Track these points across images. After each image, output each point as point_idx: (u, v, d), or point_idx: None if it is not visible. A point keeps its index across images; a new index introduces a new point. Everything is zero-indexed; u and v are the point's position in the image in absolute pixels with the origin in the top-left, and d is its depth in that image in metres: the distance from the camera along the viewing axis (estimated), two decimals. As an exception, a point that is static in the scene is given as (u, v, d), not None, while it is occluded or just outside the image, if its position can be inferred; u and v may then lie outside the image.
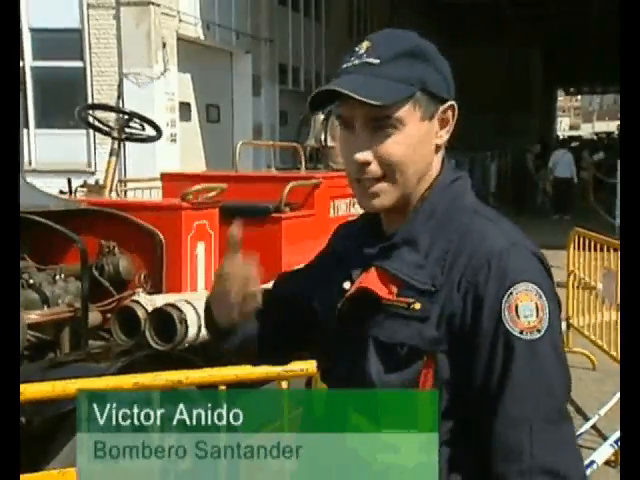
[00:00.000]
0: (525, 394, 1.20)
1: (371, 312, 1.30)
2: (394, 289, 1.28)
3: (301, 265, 1.64)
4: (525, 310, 1.21)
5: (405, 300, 1.26)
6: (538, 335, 1.21)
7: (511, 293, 1.21)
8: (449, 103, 1.32)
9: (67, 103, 10.65)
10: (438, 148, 1.34)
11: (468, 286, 1.23)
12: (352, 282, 1.35)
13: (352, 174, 1.31)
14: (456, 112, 1.34)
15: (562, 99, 75.89)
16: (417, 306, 1.25)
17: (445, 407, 1.25)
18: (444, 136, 1.33)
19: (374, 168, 1.29)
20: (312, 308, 1.48)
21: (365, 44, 1.30)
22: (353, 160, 1.29)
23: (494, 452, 1.21)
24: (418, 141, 1.29)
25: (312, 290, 1.50)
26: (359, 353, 1.31)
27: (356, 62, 1.29)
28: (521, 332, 1.20)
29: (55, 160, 11.47)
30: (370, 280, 1.31)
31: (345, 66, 1.30)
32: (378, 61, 1.27)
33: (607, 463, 4.28)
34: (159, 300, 3.14)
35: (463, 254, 1.25)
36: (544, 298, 1.22)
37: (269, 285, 1.62)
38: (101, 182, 4.80)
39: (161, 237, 3.38)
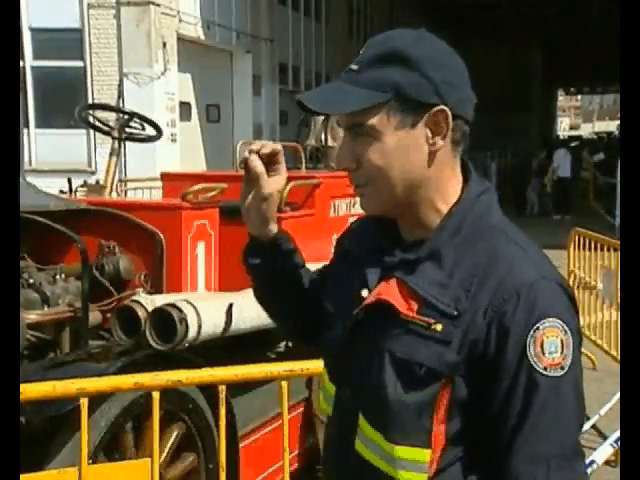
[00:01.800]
0: (545, 431, 1.19)
1: (388, 324, 1.28)
2: (414, 305, 1.26)
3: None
4: (551, 346, 1.19)
5: (426, 319, 1.24)
6: (562, 372, 1.19)
7: (538, 328, 1.19)
8: (437, 108, 1.24)
9: (67, 103, 10.65)
10: (434, 154, 1.27)
11: (494, 315, 1.20)
12: (370, 290, 1.32)
13: None
14: (449, 116, 1.25)
15: (562, 99, 75.88)
16: (438, 327, 1.23)
17: (458, 430, 1.24)
18: (439, 142, 1.26)
19: (358, 175, 1.30)
20: (321, 304, 1.48)
21: (363, 48, 1.29)
22: (337, 167, 1.33)
23: None
24: (397, 149, 1.25)
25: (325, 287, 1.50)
26: (373, 363, 1.29)
27: (347, 68, 1.29)
28: (545, 368, 1.19)
29: (55, 160, 11.48)
30: (390, 292, 1.28)
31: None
32: (357, 67, 1.27)
33: (607, 463, 4.28)
34: (159, 300, 3.14)
35: (490, 280, 1.22)
36: (569, 334, 1.21)
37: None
38: (101, 182, 4.80)
39: (161, 237, 3.38)
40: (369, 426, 1.30)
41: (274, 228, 1.52)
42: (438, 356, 1.22)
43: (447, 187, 1.31)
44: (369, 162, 1.27)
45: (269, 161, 1.45)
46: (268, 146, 1.44)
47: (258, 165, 1.43)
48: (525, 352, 1.19)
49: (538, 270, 1.24)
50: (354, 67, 1.27)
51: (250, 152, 1.43)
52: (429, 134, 1.26)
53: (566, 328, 1.20)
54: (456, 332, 1.22)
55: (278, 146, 1.45)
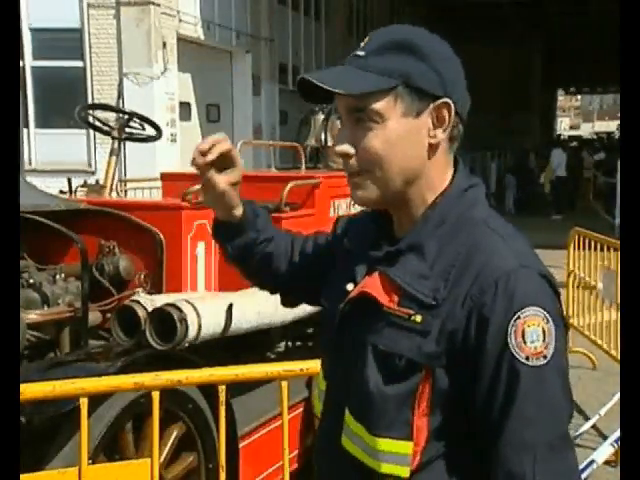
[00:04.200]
0: (529, 421, 1.18)
1: (371, 317, 1.28)
2: (395, 297, 1.26)
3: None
4: (532, 335, 1.17)
5: (406, 311, 1.24)
6: (544, 361, 1.18)
7: (518, 317, 1.18)
8: (442, 100, 1.26)
9: (67, 103, 10.63)
10: (433, 147, 1.28)
11: (473, 305, 1.20)
12: (355, 284, 1.33)
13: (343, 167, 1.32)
14: (452, 110, 1.27)
15: (562, 99, 75.84)
16: (418, 319, 1.23)
17: (442, 421, 1.24)
18: (439, 135, 1.28)
19: (353, 161, 1.28)
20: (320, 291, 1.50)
21: (365, 39, 1.29)
22: (335, 151, 1.29)
23: (496, 473, 1.20)
24: (399, 137, 1.25)
25: (324, 275, 1.52)
26: (358, 357, 1.30)
27: (349, 56, 1.29)
28: (527, 358, 1.17)
29: (55, 160, 11.48)
30: (372, 285, 1.29)
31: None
32: (363, 53, 1.26)
33: (607, 463, 4.28)
34: (159, 300, 3.14)
35: (469, 270, 1.22)
36: (551, 323, 1.19)
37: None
38: (101, 182, 4.80)
39: (161, 237, 3.38)
40: (353, 420, 1.30)
41: (239, 211, 1.55)
42: (417, 347, 1.22)
43: (439, 183, 1.32)
44: (369, 148, 1.25)
45: (223, 158, 1.44)
46: (218, 146, 1.42)
47: (202, 168, 1.43)
48: (506, 342, 1.18)
49: (518, 259, 1.23)
50: (361, 53, 1.26)
51: (196, 155, 1.42)
52: (431, 126, 1.27)
53: (548, 316, 1.19)
54: (435, 322, 1.22)
55: (226, 145, 1.43)
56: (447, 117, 1.27)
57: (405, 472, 1.24)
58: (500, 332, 1.18)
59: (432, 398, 1.23)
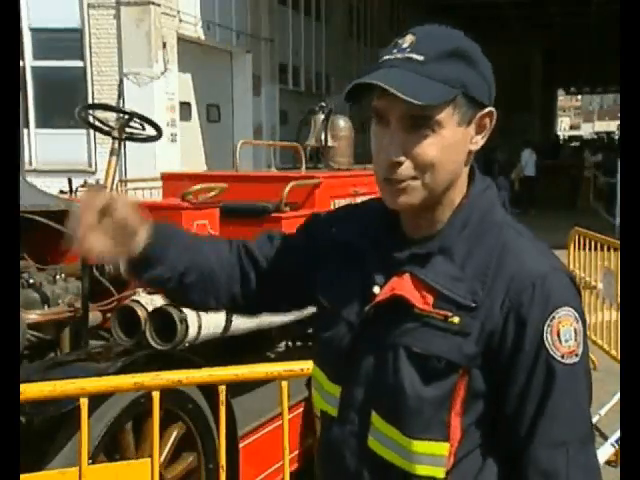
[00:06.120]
0: (564, 418, 1.22)
1: (402, 319, 1.28)
2: (429, 299, 1.26)
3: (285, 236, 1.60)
4: (566, 334, 1.22)
5: (443, 312, 1.25)
6: (576, 359, 1.23)
7: (554, 317, 1.22)
8: (488, 109, 1.29)
9: (67, 103, 10.66)
10: (471, 153, 1.31)
11: (511, 306, 1.23)
12: (380, 287, 1.32)
13: (381, 172, 1.28)
14: (494, 119, 1.30)
15: (562, 99, 75.89)
16: (456, 320, 1.24)
17: (473, 421, 1.26)
18: (479, 142, 1.30)
19: (406, 169, 1.25)
20: (304, 288, 1.48)
21: (409, 38, 1.25)
22: (385, 158, 1.26)
23: (528, 473, 1.23)
24: (452, 145, 1.25)
25: (308, 268, 1.48)
26: (388, 360, 1.29)
27: (399, 56, 1.24)
28: (562, 356, 1.22)
29: (55, 160, 11.49)
30: (404, 287, 1.28)
31: (387, 58, 1.25)
32: (422, 58, 1.23)
33: (607, 463, 4.27)
34: (159, 300, 3.14)
35: (504, 272, 1.25)
36: (580, 323, 1.24)
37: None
38: (101, 182, 4.80)
39: (161, 237, 3.37)
40: (384, 422, 1.29)
41: (142, 235, 1.49)
42: (457, 348, 1.24)
43: (464, 186, 1.34)
44: (425, 155, 1.24)
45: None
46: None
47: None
48: (543, 342, 1.22)
49: (548, 262, 1.27)
50: (418, 58, 1.23)
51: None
52: (473, 133, 1.29)
53: (577, 316, 1.24)
54: (474, 323, 1.24)
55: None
56: (488, 124, 1.31)
57: (441, 473, 1.26)
58: (537, 331, 1.22)
59: (466, 398, 1.24)
